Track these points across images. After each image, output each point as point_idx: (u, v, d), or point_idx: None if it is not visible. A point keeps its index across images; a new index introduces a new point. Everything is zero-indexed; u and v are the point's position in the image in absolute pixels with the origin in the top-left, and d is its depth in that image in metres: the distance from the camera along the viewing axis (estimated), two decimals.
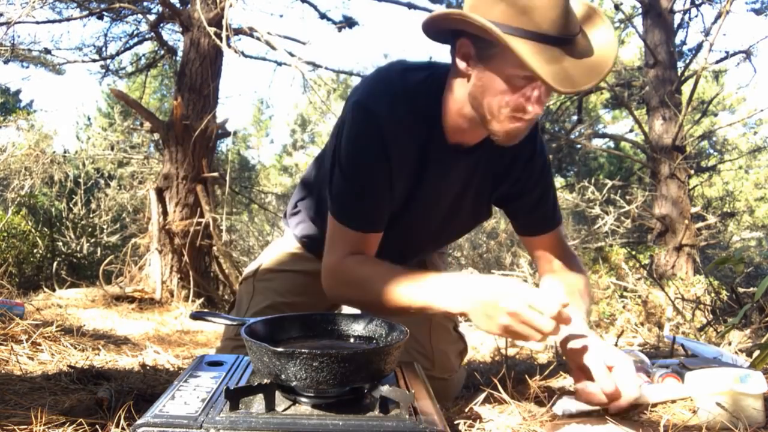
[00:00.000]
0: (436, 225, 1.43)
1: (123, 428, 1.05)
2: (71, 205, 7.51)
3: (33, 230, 6.42)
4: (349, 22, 7.33)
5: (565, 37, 1.06)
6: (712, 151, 12.00)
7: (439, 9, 7.44)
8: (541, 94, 1.11)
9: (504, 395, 1.24)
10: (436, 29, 1.18)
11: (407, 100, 1.23)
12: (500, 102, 1.12)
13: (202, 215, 5.27)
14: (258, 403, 0.90)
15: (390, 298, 1.19)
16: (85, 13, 6.59)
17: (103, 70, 7.77)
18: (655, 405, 1.20)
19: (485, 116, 1.16)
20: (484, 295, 1.07)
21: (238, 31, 5.65)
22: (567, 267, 1.42)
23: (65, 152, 9.30)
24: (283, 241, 1.68)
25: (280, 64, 6.70)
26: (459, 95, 1.20)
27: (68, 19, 6.72)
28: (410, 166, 1.27)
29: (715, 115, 12.28)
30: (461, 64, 1.15)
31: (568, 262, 1.43)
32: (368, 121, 1.21)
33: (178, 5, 5.96)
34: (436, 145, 1.27)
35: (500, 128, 1.16)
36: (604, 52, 1.10)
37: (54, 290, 5.00)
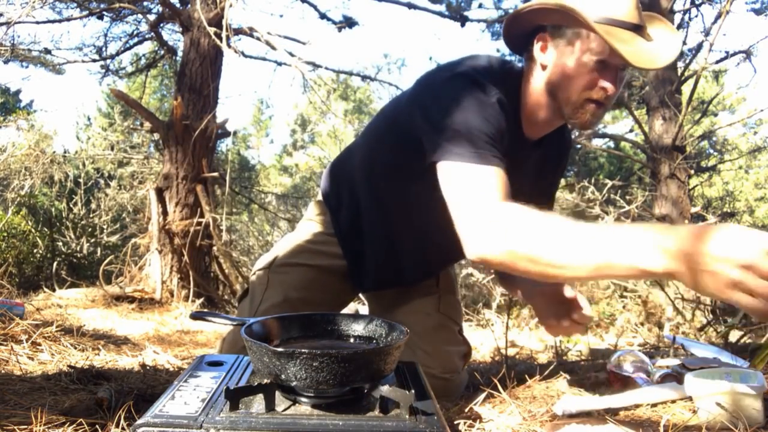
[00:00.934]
0: None
1: (123, 428, 1.05)
2: (71, 205, 7.51)
3: (33, 230, 6.42)
4: (349, 22, 7.33)
5: (639, 24, 1.18)
6: (712, 151, 12.00)
7: (439, 7, 7.40)
8: (616, 75, 1.20)
9: (504, 395, 1.24)
10: (517, 28, 1.28)
11: (497, 84, 1.26)
12: (577, 85, 1.21)
13: (202, 215, 5.27)
14: (258, 403, 0.90)
15: (578, 251, 0.97)
16: (85, 13, 6.59)
17: (103, 70, 7.77)
18: (655, 405, 1.20)
19: (564, 101, 1.25)
20: (702, 246, 0.83)
21: (238, 31, 5.65)
22: None
23: (65, 152, 9.30)
24: (298, 234, 1.68)
25: (280, 64, 6.70)
26: (537, 85, 1.29)
27: (68, 19, 6.71)
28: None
29: (715, 115, 12.28)
30: (540, 56, 1.25)
31: None
32: (479, 93, 1.21)
33: (178, 5, 5.96)
34: (512, 134, 1.30)
35: (577, 112, 1.25)
36: (671, 38, 1.23)
37: (54, 290, 5.00)
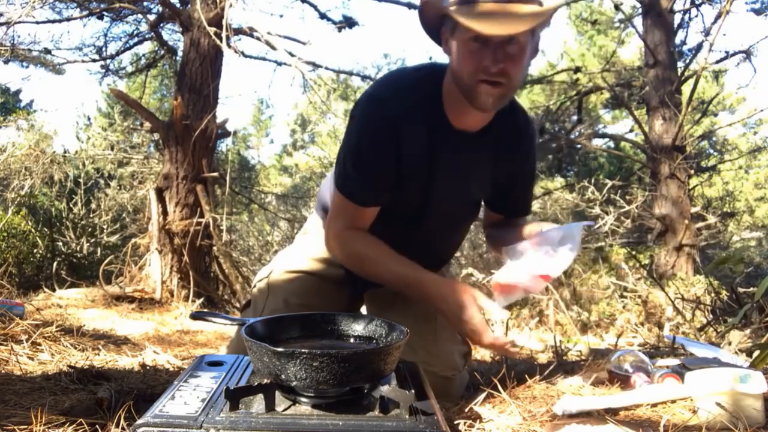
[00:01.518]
0: (455, 209, 1.55)
1: (123, 428, 1.05)
2: (71, 205, 7.50)
3: (33, 230, 6.41)
4: (349, 22, 7.32)
5: None
6: (712, 151, 12.00)
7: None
8: (496, 51, 1.22)
9: (504, 395, 1.24)
10: (426, 22, 1.35)
11: (413, 87, 1.37)
12: (465, 68, 1.26)
13: (202, 215, 5.27)
14: (258, 403, 0.90)
15: (381, 278, 1.44)
16: (85, 13, 6.59)
17: (103, 70, 7.76)
18: (655, 405, 1.20)
19: (461, 85, 1.29)
20: (442, 306, 1.33)
21: (238, 31, 5.65)
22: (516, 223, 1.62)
23: (65, 152, 9.29)
24: (296, 246, 1.77)
25: (280, 64, 6.69)
26: (449, 77, 1.36)
27: (68, 19, 6.71)
28: (421, 150, 1.37)
29: (715, 115, 12.27)
30: (446, 48, 1.32)
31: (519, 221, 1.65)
32: (378, 108, 1.35)
33: (178, 5, 5.96)
34: (442, 129, 1.37)
35: (474, 95, 1.28)
36: (531, 7, 1.20)
37: (54, 290, 5.00)
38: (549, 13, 1.22)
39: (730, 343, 2.12)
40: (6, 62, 6.81)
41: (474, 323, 1.28)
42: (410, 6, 6.71)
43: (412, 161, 1.38)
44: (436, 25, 1.34)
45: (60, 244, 6.88)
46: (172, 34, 7.36)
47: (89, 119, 13.07)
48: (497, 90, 1.26)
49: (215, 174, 5.64)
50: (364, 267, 1.46)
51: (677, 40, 7.72)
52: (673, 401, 1.21)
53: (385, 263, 1.41)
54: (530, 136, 1.53)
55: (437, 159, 1.41)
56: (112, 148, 8.95)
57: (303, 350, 0.86)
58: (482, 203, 1.67)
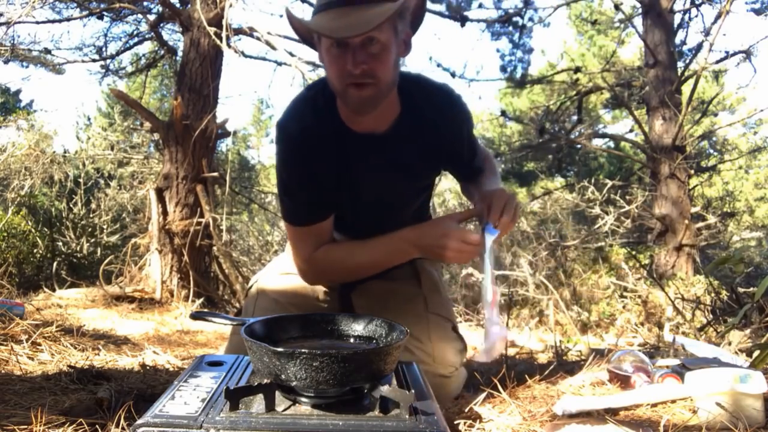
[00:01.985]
0: (387, 200, 1.57)
1: (123, 428, 1.05)
2: (71, 205, 7.50)
3: (33, 230, 6.41)
4: None
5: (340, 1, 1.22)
6: (712, 151, 12.00)
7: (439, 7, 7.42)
8: (354, 54, 1.24)
9: (504, 395, 1.25)
10: (299, 35, 1.39)
11: (310, 109, 1.41)
12: (332, 74, 1.29)
13: (202, 215, 5.27)
14: (258, 403, 0.90)
15: (361, 268, 1.49)
16: (85, 13, 6.59)
17: (103, 70, 7.75)
18: (655, 405, 1.20)
19: (336, 92, 1.33)
20: (424, 241, 1.38)
21: (238, 31, 5.65)
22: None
23: (65, 152, 9.28)
24: (287, 252, 1.76)
25: (280, 64, 6.68)
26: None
27: (68, 19, 6.70)
28: (335, 162, 1.42)
29: (715, 115, 12.27)
30: (319, 57, 1.34)
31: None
32: (285, 137, 1.41)
33: (178, 5, 5.95)
34: (348, 138, 1.41)
35: (345, 97, 1.30)
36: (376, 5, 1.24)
37: (54, 290, 5.00)
38: (397, 9, 1.21)
39: (730, 343, 2.12)
40: (6, 62, 6.81)
41: (456, 233, 1.32)
42: None
43: (330, 174, 1.42)
44: (309, 37, 1.38)
45: (60, 244, 6.88)
46: (172, 34, 7.36)
47: (89, 119, 13.08)
48: (366, 91, 1.28)
49: (215, 174, 5.64)
50: (345, 266, 1.49)
51: (677, 40, 7.72)
52: (673, 401, 1.21)
53: (360, 251, 1.48)
54: (451, 108, 1.50)
55: (354, 167, 1.44)
56: (112, 148, 8.95)
57: (303, 350, 0.86)
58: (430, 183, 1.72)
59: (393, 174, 1.49)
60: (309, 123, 1.40)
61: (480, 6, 8.59)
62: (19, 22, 5.70)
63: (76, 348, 1.94)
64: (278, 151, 1.43)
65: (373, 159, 1.44)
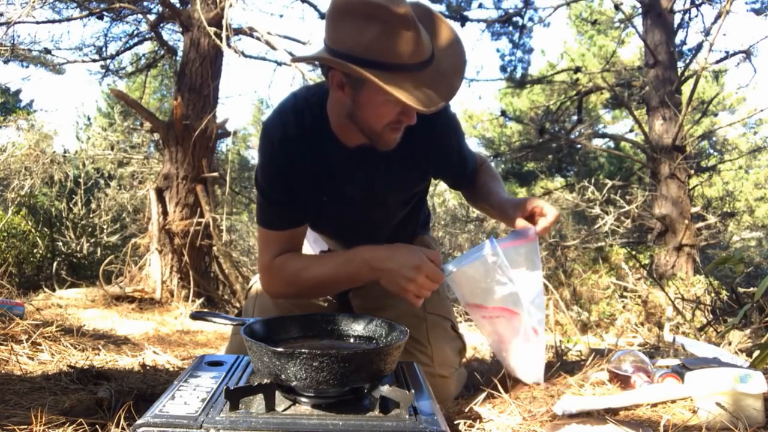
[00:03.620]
0: (376, 213, 1.57)
1: (123, 428, 1.05)
2: (71, 205, 7.50)
3: (33, 230, 6.41)
4: None
5: (422, 62, 1.19)
6: (712, 151, 12.00)
7: (436, 8, 7.42)
8: (414, 111, 1.25)
9: (504, 395, 1.24)
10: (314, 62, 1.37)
11: (295, 118, 1.39)
12: (378, 120, 1.27)
13: (202, 215, 5.27)
14: (258, 403, 0.90)
15: (319, 282, 1.42)
16: (85, 13, 6.58)
17: (103, 70, 7.75)
18: (655, 405, 1.20)
19: (366, 130, 1.32)
20: (388, 265, 1.30)
21: (238, 31, 5.65)
22: (480, 173, 1.69)
23: (65, 152, 9.27)
24: None
25: (280, 64, 6.68)
26: (338, 111, 1.35)
27: (68, 19, 6.70)
28: (315, 173, 1.41)
29: (715, 115, 12.27)
30: (338, 92, 1.29)
31: (482, 170, 1.70)
32: (268, 143, 1.40)
33: (178, 5, 5.95)
34: (335, 151, 1.40)
35: (380, 139, 1.31)
36: (456, 65, 1.25)
37: (54, 290, 5.00)
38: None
39: (730, 343, 2.12)
40: (6, 62, 6.81)
41: (428, 267, 1.26)
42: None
43: (308, 183, 1.41)
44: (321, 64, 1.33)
45: (60, 244, 6.87)
46: (172, 34, 7.36)
47: (89, 119, 13.08)
48: (400, 133, 1.31)
49: (215, 174, 5.64)
50: (301, 279, 1.42)
51: (677, 40, 7.72)
52: (673, 401, 1.21)
53: (318, 265, 1.44)
54: (441, 124, 1.49)
55: (335, 177, 1.43)
56: (112, 148, 8.94)
57: (303, 350, 0.86)
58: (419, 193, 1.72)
59: (381, 184, 1.49)
60: (293, 133, 1.38)
61: (480, 6, 8.59)
62: (19, 22, 5.70)
63: (76, 348, 1.94)
64: (259, 152, 1.43)
65: (362, 170, 1.44)
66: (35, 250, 6.31)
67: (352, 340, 1.11)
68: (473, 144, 12.85)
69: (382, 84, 1.14)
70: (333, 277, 1.40)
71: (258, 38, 5.58)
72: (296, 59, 1.32)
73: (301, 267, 1.43)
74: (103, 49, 7.39)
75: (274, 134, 1.39)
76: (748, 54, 6.74)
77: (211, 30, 4.93)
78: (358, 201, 1.50)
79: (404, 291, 1.29)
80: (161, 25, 6.72)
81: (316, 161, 1.40)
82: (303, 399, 0.91)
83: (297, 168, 1.39)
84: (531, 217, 1.43)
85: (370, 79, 1.14)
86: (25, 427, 1.04)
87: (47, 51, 7.07)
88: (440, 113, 1.45)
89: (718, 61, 7.25)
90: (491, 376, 1.43)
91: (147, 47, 8.08)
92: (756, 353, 1.41)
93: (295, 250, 1.47)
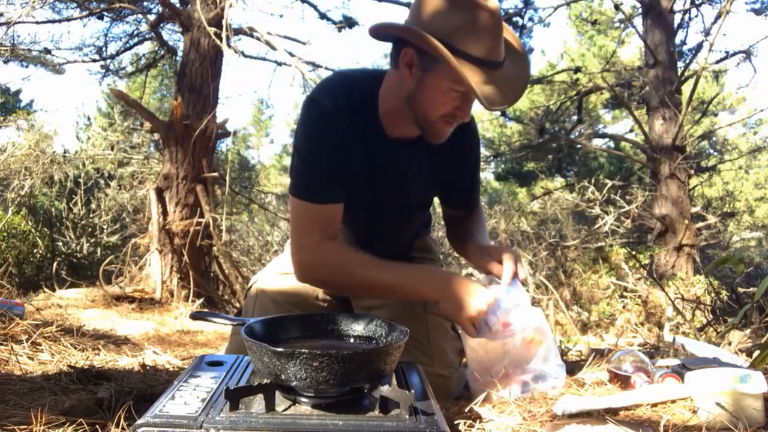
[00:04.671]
0: (397, 208, 1.57)
1: (123, 428, 1.05)
2: (71, 205, 7.50)
3: (33, 230, 6.41)
4: (349, 22, 7.33)
5: (496, 62, 1.22)
6: (712, 151, 12.01)
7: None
8: (470, 106, 1.29)
9: (504, 395, 1.24)
10: (384, 32, 1.31)
11: (345, 93, 1.36)
12: (436, 108, 1.28)
13: (202, 215, 5.27)
14: (258, 403, 0.90)
15: (374, 284, 1.37)
16: (85, 13, 6.59)
17: (103, 70, 7.76)
18: (655, 405, 1.20)
19: (420, 117, 1.31)
20: (456, 291, 1.29)
21: (238, 31, 5.65)
22: (470, 218, 1.68)
23: (65, 152, 9.27)
24: (286, 252, 1.75)
25: (280, 64, 6.69)
26: (395, 94, 1.34)
27: (68, 19, 6.70)
28: (356, 153, 1.39)
29: (715, 115, 12.28)
30: (405, 71, 1.28)
31: (473, 215, 1.69)
32: (315, 111, 1.36)
33: (178, 5, 5.95)
34: (375, 138, 1.40)
35: (432, 129, 1.32)
36: (521, 77, 1.29)
37: (54, 290, 5.00)
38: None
39: (730, 343, 2.12)
40: (6, 62, 6.82)
41: (480, 297, 1.27)
42: (410, 6, 6.70)
43: (349, 160, 1.39)
44: (390, 38, 1.33)
45: (60, 244, 6.88)
46: (172, 34, 7.36)
47: (89, 119, 13.08)
48: (452, 128, 1.33)
49: (215, 174, 5.64)
50: (354, 274, 1.37)
51: (677, 40, 7.73)
52: (673, 401, 1.21)
53: (380, 266, 1.37)
54: (468, 138, 1.52)
55: (371, 166, 1.42)
56: (112, 148, 8.94)
57: (303, 350, 0.86)
58: (432, 200, 1.73)
59: (409, 183, 1.49)
60: (343, 106, 1.35)
61: None
62: (19, 22, 5.71)
63: (76, 348, 1.94)
64: (304, 121, 1.37)
65: (395, 163, 1.44)
66: (35, 250, 6.32)
67: (352, 340, 1.11)
68: None
69: (459, 67, 1.16)
70: (394, 285, 1.36)
71: (258, 38, 5.59)
72: (375, 27, 1.27)
73: (358, 261, 1.36)
74: (103, 49, 7.41)
75: (324, 104, 1.35)
76: (748, 54, 6.74)
77: (211, 30, 4.93)
78: (382, 194, 1.49)
79: (459, 322, 1.32)
80: (161, 25, 6.73)
81: (359, 141, 1.38)
82: (303, 399, 0.91)
83: (343, 141, 1.36)
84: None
85: (450, 60, 1.16)
86: (25, 427, 1.03)
87: (47, 51, 7.07)
88: (468, 126, 1.49)
89: (718, 61, 7.26)
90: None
91: (147, 47, 8.10)
92: (756, 353, 1.41)
93: (335, 233, 1.41)
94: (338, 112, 1.35)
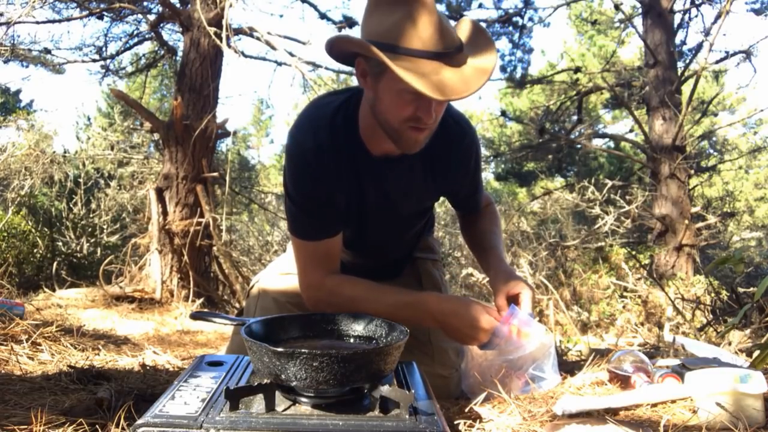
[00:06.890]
0: (393, 223, 1.56)
1: (123, 428, 1.05)
2: (71, 205, 7.50)
3: (33, 230, 6.41)
4: (349, 22, 7.32)
5: (442, 52, 1.15)
6: (712, 151, 12.01)
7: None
8: (431, 105, 1.20)
9: (504, 395, 1.24)
10: (338, 51, 1.28)
11: (327, 126, 1.35)
12: (395, 112, 1.23)
13: (202, 215, 5.27)
14: (258, 403, 0.90)
15: (376, 315, 1.34)
16: (85, 13, 6.58)
17: (103, 70, 7.74)
18: (655, 405, 1.20)
19: (385, 125, 1.27)
20: (453, 321, 1.34)
21: (238, 31, 5.65)
22: (484, 217, 1.70)
23: (65, 152, 9.27)
24: (284, 254, 1.77)
25: (280, 64, 6.68)
26: (366, 109, 1.33)
27: (68, 19, 6.70)
28: (346, 181, 1.38)
29: (715, 115, 12.28)
30: (360, 81, 1.27)
31: (485, 213, 1.70)
32: (298, 152, 1.36)
33: (178, 5, 5.95)
34: (360, 158, 1.38)
35: (400, 137, 1.27)
36: (483, 64, 1.20)
37: (54, 290, 5.00)
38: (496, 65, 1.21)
39: (730, 343, 2.12)
40: (6, 62, 6.81)
41: (489, 318, 1.31)
42: None
43: (341, 193, 1.38)
44: (349, 56, 1.28)
45: (60, 244, 6.87)
46: (172, 34, 7.36)
47: (89, 119, 13.08)
48: (423, 134, 1.26)
49: (215, 174, 5.64)
50: (353, 308, 1.36)
51: (677, 40, 7.72)
52: (673, 401, 1.21)
53: (377, 298, 1.40)
54: (466, 146, 1.49)
55: (361, 186, 1.41)
56: (112, 148, 8.94)
57: (303, 350, 0.86)
58: (433, 205, 1.72)
59: (401, 197, 1.47)
60: (324, 141, 1.33)
61: (480, 6, 8.61)
62: (19, 22, 5.70)
63: (76, 348, 1.94)
64: (289, 163, 1.37)
65: (384, 181, 1.42)
66: (35, 250, 6.32)
67: (352, 340, 1.11)
68: None
69: (393, 66, 1.11)
70: (391, 316, 1.31)
71: (258, 38, 5.59)
72: (328, 46, 1.21)
73: (357, 296, 1.39)
74: (103, 49, 7.40)
75: (305, 143, 1.34)
76: (748, 54, 6.74)
77: (211, 30, 4.93)
78: (375, 212, 1.47)
79: (463, 343, 1.38)
80: (161, 25, 6.73)
81: (348, 168, 1.37)
82: (303, 399, 0.91)
83: (330, 177, 1.35)
84: (513, 297, 1.42)
85: (383, 59, 1.11)
86: (25, 427, 1.03)
87: (47, 51, 7.07)
88: (466, 134, 1.47)
89: (718, 61, 7.26)
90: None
91: (147, 47, 8.09)
92: (756, 353, 1.41)
93: (335, 263, 1.44)
94: (320, 150, 1.33)
